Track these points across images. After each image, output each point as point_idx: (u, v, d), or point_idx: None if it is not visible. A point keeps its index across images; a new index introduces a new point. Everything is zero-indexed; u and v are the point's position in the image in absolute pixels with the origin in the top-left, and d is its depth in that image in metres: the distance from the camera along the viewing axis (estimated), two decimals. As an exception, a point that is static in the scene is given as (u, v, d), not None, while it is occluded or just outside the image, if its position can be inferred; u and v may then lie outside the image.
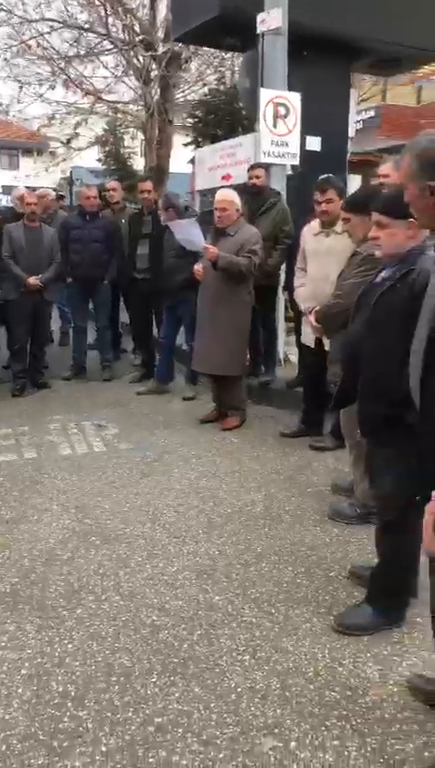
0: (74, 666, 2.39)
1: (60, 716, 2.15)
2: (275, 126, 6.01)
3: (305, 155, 6.45)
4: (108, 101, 14.56)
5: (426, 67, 13.54)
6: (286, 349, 6.33)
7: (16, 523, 3.52)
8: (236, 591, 2.88)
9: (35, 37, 13.13)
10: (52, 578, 2.97)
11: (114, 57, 13.91)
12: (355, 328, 2.74)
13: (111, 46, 13.25)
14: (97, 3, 12.77)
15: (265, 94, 5.97)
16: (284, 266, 5.74)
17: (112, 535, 3.38)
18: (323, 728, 2.11)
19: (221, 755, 2.00)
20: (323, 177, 4.46)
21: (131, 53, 13.15)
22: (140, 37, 12.55)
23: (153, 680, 2.32)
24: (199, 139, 8.59)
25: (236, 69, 12.48)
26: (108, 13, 12.53)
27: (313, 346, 4.50)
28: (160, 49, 12.24)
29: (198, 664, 2.40)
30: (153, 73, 13.06)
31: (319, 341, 4.39)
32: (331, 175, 4.53)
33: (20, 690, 2.26)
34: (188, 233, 5.09)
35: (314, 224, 4.55)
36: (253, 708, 2.19)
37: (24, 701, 2.22)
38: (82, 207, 6.46)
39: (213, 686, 2.29)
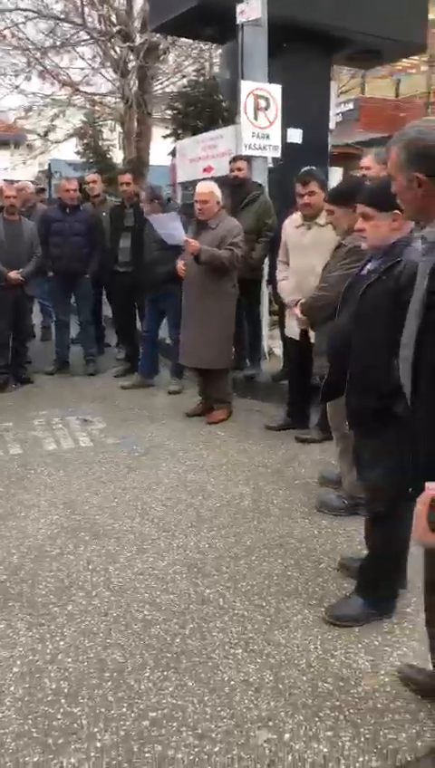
0: (67, 662, 2.38)
1: (53, 713, 2.14)
2: (256, 118, 5.99)
3: (287, 147, 6.44)
4: (85, 93, 14.40)
5: (404, 60, 13.63)
6: (271, 342, 6.34)
7: (3, 519, 3.48)
8: (227, 585, 2.88)
9: (10, 27, 12.92)
10: (41, 574, 2.95)
11: (91, 48, 13.76)
12: (342, 320, 2.75)
13: (88, 37, 13.09)
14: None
15: (245, 86, 5.94)
16: (267, 259, 5.74)
17: (101, 530, 3.36)
18: (317, 719, 2.13)
19: (216, 749, 2.00)
20: (305, 169, 4.46)
21: (108, 44, 13.00)
22: (117, 28, 12.41)
23: (146, 675, 2.32)
24: (179, 132, 8.51)
25: (215, 60, 12.42)
26: (84, 3, 12.36)
27: (298, 339, 4.51)
28: (138, 40, 12.11)
29: (191, 658, 2.41)
30: (131, 65, 12.93)
31: (304, 334, 4.40)
32: (313, 167, 4.53)
33: (12, 688, 2.25)
34: (169, 227, 5.07)
35: (296, 216, 4.55)
36: (247, 701, 2.20)
37: (16, 699, 2.20)
38: (62, 200, 6.39)
39: (206, 680, 2.29)
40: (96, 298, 6.94)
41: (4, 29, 13.00)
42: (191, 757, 1.97)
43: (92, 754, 1.98)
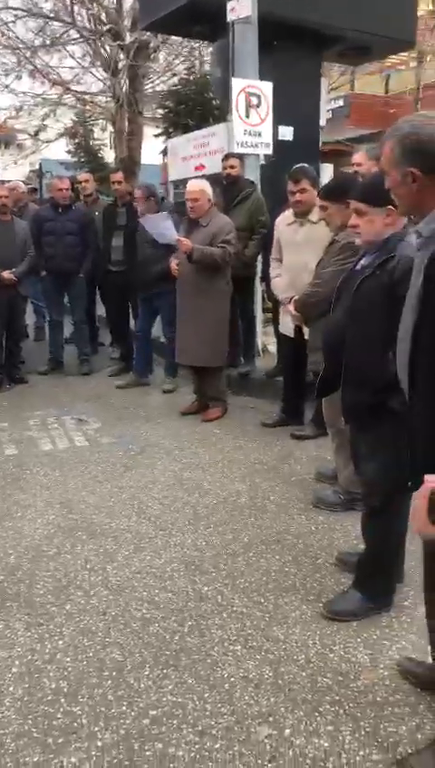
0: (66, 662, 2.37)
1: (53, 713, 2.13)
2: (247, 116, 5.99)
3: (278, 144, 6.44)
4: (76, 92, 14.36)
5: (393, 57, 13.66)
6: (264, 339, 6.34)
7: (0, 520, 3.47)
8: (225, 582, 2.88)
9: (-1, 26, 12.88)
10: (39, 574, 2.94)
11: (81, 47, 13.71)
12: (336, 316, 2.75)
13: (78, 35, 13.05)
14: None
15: (236, 84, 5.94)
16: (260, 256, 5.74)
17: (98, 530, 3.36)
18: (317, 714, 2.13)
19: (217, 745, 2.00)
20: (296, 167, 4.46)
21: (98, 43, 12.96)
22: (107, 26, 12.38)
23: (146, 673, 2.31)
24: (170, 130, 8.50)
25: (206, 58, 12.41)
26: (73, 1, 12.32)
27: (292, 335, 4.51)
28: (128, 38, 12.08)
29: (191, 655, 2.40)
30: (121, 63, 12.90)
31: (298, 330, 4.40)
32: (304, 164, 4.53)
33: (11, 688, 2.24)
34: (160, 226, 5.06)
35: (288, 213, 4.56)
36: (247, 697, 2.20)
37: (16, 699, 2.20)
38: (55, 200, 6.36)
39: (206, 677, 2.29)
40: (89, 297, 6.92)
41: (-6, 28, 12.95)
42: (192, 754, 1.97)
43: (93, 753, 1.98)
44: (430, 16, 13.03)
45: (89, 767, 1.93)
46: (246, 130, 5.99)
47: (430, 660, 2.26)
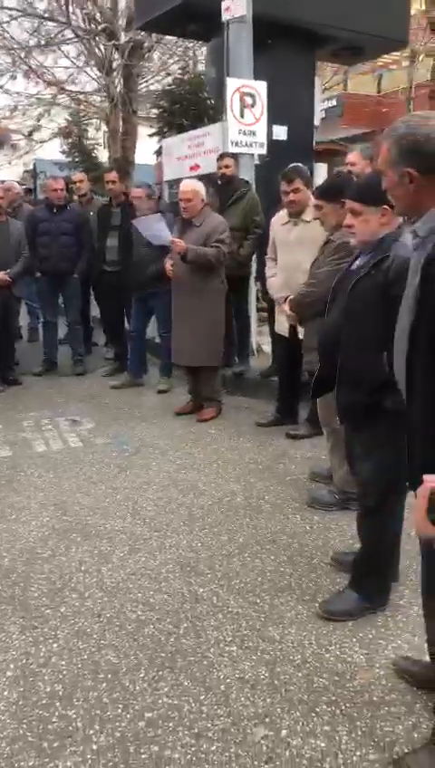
0: (60, 665, 2.36)
1: (48, 717, 2.12)
2: (242, 115, 5.99)
3: (272, 144, 6.44)
4: (70, 92, 14.34)
5: (386, 56, 13.68)
6: (259, 339, 6.34)
7: (-6, 522, 3.46)
8: (221, 583, 2.87)
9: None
10: (33, 576, 2.93)
11: (75, 47, 13.70)
12: (332, 316, 2.75)
13: (72, 35, 13.03)
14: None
15: (231, 83, 5.93)
16: (255, 256, 5.73)
17: (93, 531, 3.34)
18: (314, 714, 2.13)
19: (214, 747, 1.99)
20: (289, 166, 4.46)
21: (93, 43, 12.95)
22: (102, 26, 12.36)
23: (141, 675, 2.30)
24: (165, 130, 8.49)
25: (200, 58, 12.41)
26: (68, 1, 12.30)
27: (287, 335, 4.51)
28: (123, 38, 12.07)
29: (186, 657, 2.39)
30: (115, 63, 12.89)
31: (293, 330, 4.40)
32: (298, 164, 4.53)
33: (6, 692, 2.23)
34: (153, 228, 5.05)
35: (283, 213, 4.55)
36: (243, 698, 2.19)
37: (10, 703, 2.18)
38: (49, 200, 6.34)
39: (202, 679, 2.28)
40: (84, 298, 6.90)
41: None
42: (188, 757, 1.96)
43: (88, 757, 1.96)
44: (423, 16, 13.05)
45: (84, 770, 1.92)
46: (240, 130, 5.99)
47: (425, 659, 2.26)
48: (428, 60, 14.51)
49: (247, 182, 5.80)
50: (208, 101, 7.62)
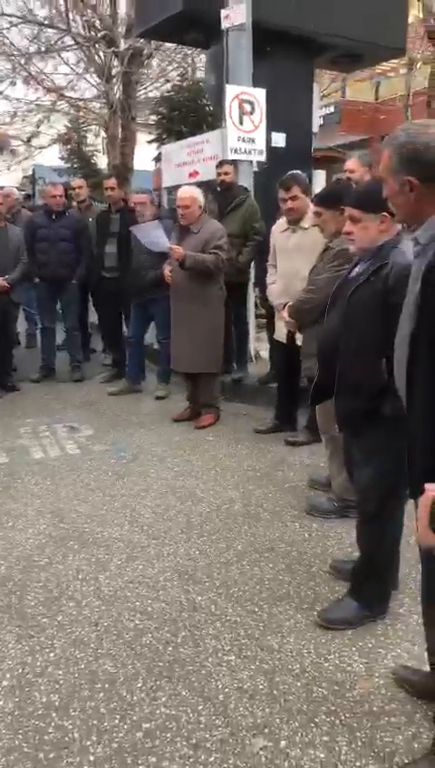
0: (57, 674, 2.34)
1: (45, 727, 2.10)
2: (241, 122, 6.00)
3: (271, 151, 6.45)
4: (70, 98, 14.39)
5: (384, 63, 13.74)
6: (257, 345, 6.33)
7: (-10, 529, 3.44)
8: (219, 591, 2.85)
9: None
10: (30, 585, 2.90)
11: (75, 54, 13.76)
12: (331, 323, 2.74)
13: (72, 42, 13.08)
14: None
15: (230, 90, 5.95)
16: (254, 263, 5.74)
17: (90, 539, 3.32)
18: (313, 725, 2.11)
19: (212, 758, 1.97)
20: (287, 174, 4.46)
21: (93, 50, 13.00)
22: (102, 33, 12.42)
23: (139, 685, 2.28)
24: (164, 136, 8.51)
25: (199, 65, 12.46)
26: (68, 8, 12.36)
27: (285, 342, 4.50)
28: (122, 45, 12.12)
29: (184, 666, 2.37)
30: (115, 70, 12.94)
31: (291, 337, 4.40)
32: (296, 171, 4.54)
33: (1, 702, 2.20)
34: (151, 235, 5.05)
35: (282, 221, 4.56)
36: (241, 709, 2.17)
37: (6, 713, 2.16)
38: (48, 206, 6.34)
39: (200, 689, 2.26)
40: (82, 304, 6.90)
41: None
42: (186, 768, 1.94)
43: (85, 768, 1.94)
44: (420, 24, 13.13)
45: (81, 782, 1.90)
46: (239, 137, 6.00)
47: (425, 668, 2.24)
48: (425, 68, 14.58)
49: (246, 189, 5.81)
50: (207, 108, 7.65)
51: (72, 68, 14.15)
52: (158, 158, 8.23)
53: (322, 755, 1.99)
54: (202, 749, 2.01)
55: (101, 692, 2.25)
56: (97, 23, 12.75)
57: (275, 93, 6.39)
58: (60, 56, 13.78)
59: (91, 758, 1.97)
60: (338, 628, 2.58)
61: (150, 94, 14.33)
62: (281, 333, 4.55)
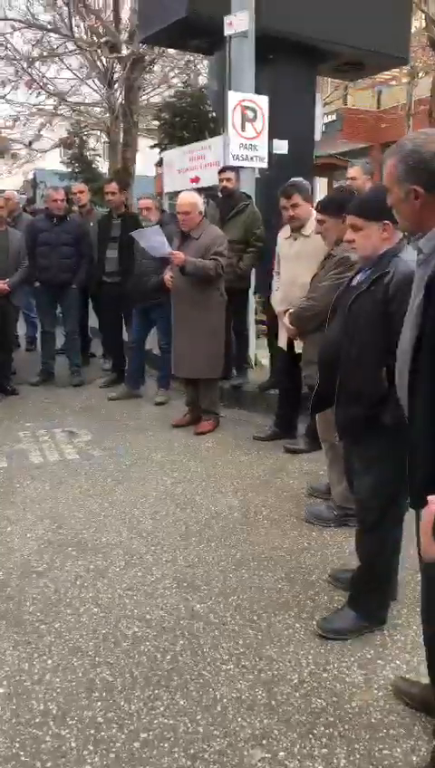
0: (55, 682, 2.32)
1: (42, 736, 2.08)
2: (243, 129, 6.01)
3: (273, 158, 6.46)
4: (72, 103, 14.43)
5: (386, 72, 13.80)
6: (257, 351, 6.33)
7: (-12, 534, 3.42)
8: (218, 599, 2.84)
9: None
10: (28, 591, 2.89)
11: (78, 59, 13.80)
12: (332, 332, 2.74)
13: (75, 48, 13.13)
14: (60, 3, 12.64)
15: (233, 97, 5.96)
16: (254, 269, 5.74)
17: (89, 545, 3.31)
18: (311, 736, 2.09)
19: (209, 769, 1.96)
20: (288, 182, 4.47)
21: (95, 55, 13.05)
22: (104, 39, 12.46)
23: (136, 694, 2.27)
24: (166, 142, 8.54)
25: (202, 71, 12.50)
26: (71, 13, 12.41)
27: (285, 349, 4.50)
28: (125, 51, 12.16)
29: (182, 675, 2.36)
30: (117, 75, 12.98)
31: (289, 344, 4.40)
32: (297, 179, 4.54)
33: (-2, 710, 2.19)
34: (152, 240, 5.06)
35: (287, 228, 4.57)
36: (240, 719, 2.16)
37: (3, 721, 2.14)
38: (49, 210, 6.35)
39: (198, 698, 2.25)
40: (83, 308, 6.89)
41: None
42: (183, 779, 1.93)
43: (82, 777, 1.93)
44: (423, 34, 13.19)
45: (77, 792, 1.88)
46: (241, 144, 6.01)
47: (424, 680, 2.23)
48: (427, 77, 14.65)
49: (248, 196, 5.81)
50: (210, 115, 7.67)
51: (74, 73, 14.20)
52: (159, 164, 8.25)
53: (320, 767, 1.97)
54: (200, 760, 1.99)
55: (98, 701, 2.23)
56: (100, 28, 12.79)
57: (278, 100, 6.40)
58: (62, 61, 13.83)
59: (89, 768, 1.96)
60: (337, 639, 2.57)
61: (153, 100, 14.38)
62: (282, 340, 4.55)
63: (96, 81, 13.77)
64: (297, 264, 4.29)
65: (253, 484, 4.12)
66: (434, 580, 1.93)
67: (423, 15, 12.61)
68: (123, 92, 13.13)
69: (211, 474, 4.26)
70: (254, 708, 2.21)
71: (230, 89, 6.07)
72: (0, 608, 2.76)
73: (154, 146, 8.98)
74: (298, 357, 4.17)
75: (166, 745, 2.04)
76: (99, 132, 14.98)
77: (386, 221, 2.44)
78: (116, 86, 13.20)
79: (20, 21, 12.89)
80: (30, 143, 16.09)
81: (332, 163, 13.97)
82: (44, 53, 13.38)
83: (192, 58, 12.75)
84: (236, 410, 5.57)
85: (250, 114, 6.01)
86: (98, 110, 14.93)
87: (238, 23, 5.92)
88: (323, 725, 2.14)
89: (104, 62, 13.07)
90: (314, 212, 3.82)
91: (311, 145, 7.85)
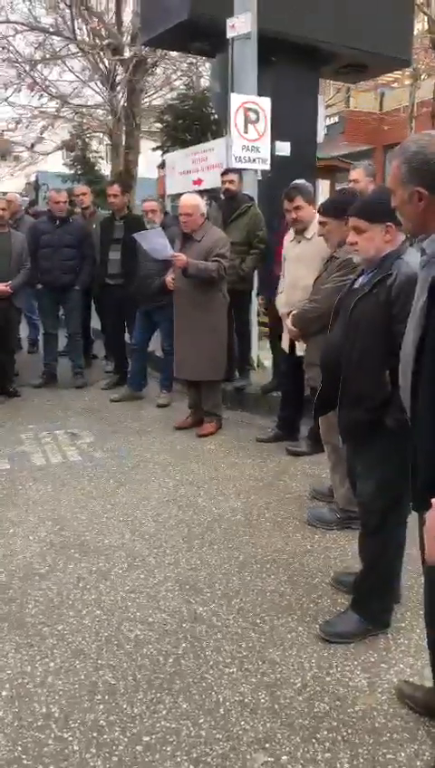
0: (57, 685, 2.31)
1: (44, 739, 2.08)
2: (245, 131, 6.01)
3: (275, 160, 6.46)
4: (74, 106, 14.45)
5: (389, 74, 13.82)
6: (260, 353, 6.32)
7: (-9, 537, 3.42)
8: (220, 602, 2.83)
9: (-1, 40, 12.97)
10: (30, 593, 2.88)
11: (80, 61, 13.82)
12: (334, 334, 2.73)
13: (77, 50, 13.15)
14: (62, 6, 12.66)
15: (235, 99, 5.96)
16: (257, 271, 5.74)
17: (91, 547, 3.30)
18: (314, 740, 2.08)
19: (212, 773, 1.95)
20: (291, 184, 4.47)
21: (98, 57, 13.07)
22: (107, 41, 12.48)
23: (139, 697, 2.26)
24: (168, 144, 8.55)
25: (204, 74, 12.51)
26: (73, 15, 12.43)
27: (287, 351, 4.50)
28: (127, 53, 12.17)
29: (185, 678, 2.35)
30: (119, 78, 13.00)
31: (291, 347, 4.40)
32: (300, 181, 4.54)
33: (1, 713, 2.18)
34: (154, 242, 5.06)
35: (293, 230, 4.57)
36: (242, 723, 2.15)
37: (5, 724, 2.13)
38: (52, 212, 6.35)
39: (201, 702, 2.24)
40: (85, 310, 6.90)
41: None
42: (186, 782, 1.92)
43: (84, 781, 1.92)
44: (425, 36, 13.20)
45: (80, 796, 1.88)
46: (244, 146, 6.01)
47: (428, 684, 2.22)
48: (429, 79, 14.66)
49: (251, 198, 5.81)
50: (212, 117, 7.68)
51: (76, 75, 14.23)
52: (162, 166, 8.26)
53: (323, 772, 1.97)
54: (203, 764, 1.98)
55: (101, 704, 2.23)
56: (102, 31, 12.81)
57: (280, 103, 6.41)
58: (65, 64, 13.86)
59: (91, 772, 1.95)
60: (340, 642, 2.56)
61: (155, 102, 14.40)
62: (286, 342, 4.55)
63: (98, 83, 13.79)
64: (298, 267, 4.29)
65: (255, 486, 4.11)
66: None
67: (426, 17, 12.61)
68: (126, 95, 13.15)
69: (214, 476, 4.25)
70: (256, 712, 2.20)
71: (232, 91, 6.08)
72: (2, 610, 2.76)
73: (156, 148, 9.00)
74: (301, 359, 4.16)
75: (168, 749, 2.04)
76: (101, 135, 14.99)
77: (389, 223, 2.43)
78: (118, 88, 13.22)
79: (22, 24, 12.91)
80: (32, 145, 16.12)
81: (334, 165, 13.95)
82: (47, 56, 13.41)
83: (194, 60, 12.77)
84: (239, 412, 5.56)
85: (252, 116, 6.01)
86: (100, 112, 14.94)
87: (241, 25, 5.92)
88: (326, 729, 2.13)
89: (106, 65, 13.09)
90: (317, 214, 3.82)
91: (313, 147, 7.85)
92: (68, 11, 12.50)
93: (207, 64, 10.23)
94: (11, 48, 13.11)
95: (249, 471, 4.35)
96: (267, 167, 6.21)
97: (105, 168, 14.82)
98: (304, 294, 3.96)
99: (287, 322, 4.19)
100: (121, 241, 6.02)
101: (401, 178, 1.77)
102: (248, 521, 3.63)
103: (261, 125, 6.07)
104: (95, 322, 7.25)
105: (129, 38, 12.65)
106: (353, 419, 2.56)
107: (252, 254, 5.51)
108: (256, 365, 6.19)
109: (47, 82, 13.83)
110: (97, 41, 12.80)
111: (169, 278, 5.02)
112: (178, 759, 2.00)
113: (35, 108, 14.43)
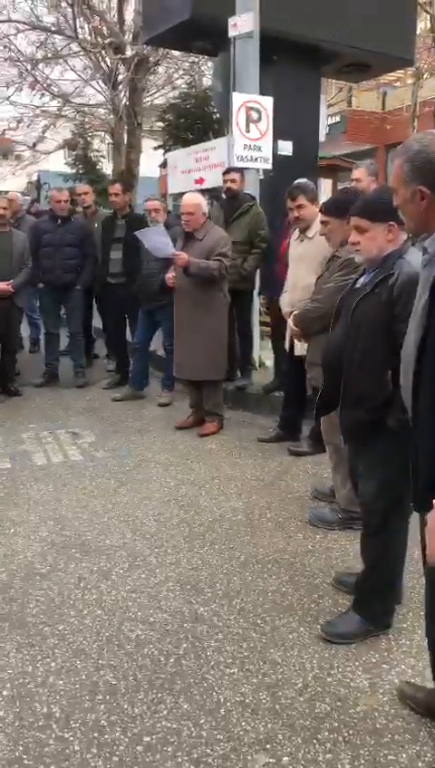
0: (58, 685, 2.31)
1: (45, 739, 2.07)
2: (247, 130, 6.00)
3: (277, 159, 6.45)
4: (76, 105, 14.44)
5: (391, 73, 13.79)
6: (261, 353, 6.32)
7: (-8, 536, 3.42)
8: (222, 602, 2.83)
9: (1, 39, 12.95)
10: (31, 593, 2.88)
11: (82, 60, 13.81)
12: (336, 334, 2.73)
13: (79, 49, 13.14)
14: (64, 5, 12.66)
15: (237, 98, 5.95)
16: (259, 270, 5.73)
17: (92, 547, 3.30)
18: (316, 741, 2.08)
19: (213, 774, 1.95)
20: (293, 183, 4.47)
21: (99, 56, 13.06)
22: (108, 40, 12.47)
23: (140, 697, 2.26)
24: (170, 143, 8.55)
25: (206, 73, 12.50)
26: (75, 14, 12.41)
27: (289, 350, 4.50)
28: (129, 52, 12.16)
29: (186, 679, 2.35)
30: (121, 77, 12.99)
31: (291, 346, 4.39)
32: (302, 180, 4.54)
33: (1, 713, 2.18)
34: (155, 240, 5.05)
35: (297, 230, 4.57)
36: (243, 723, 2.15)
37: (6, 724, 2.13)
38: (53, 212, 6.35)
39: (202, 702, 2.24)
40: (87, 309, 6.89)
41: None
42: (187, 783, 1.92)
43: (85, 781, 1.92)
44: (428, 35, 13.18)
45: (80, 796, 1.87)
46: (246, 145, 5.99)
47: (429, 685, 2.22)
48: (432, 78, 14.64)
49: (253, 197, 5.80)
50: (214, 116, 7.67)
51: (78, 74, 14.22)
52: (164, 165, 8.25)
53: (325, 772, 1.96)
54: (203, 764, 1.98)
55: (102, 704, 2.23)
56: (104, 29, 12.80)
57: (282, 102, 6.39)
58: (66, 62, 13.85)
59: (92, 772, 1.95)
60: (341, 643, 2.55)
61: (157, 101, 14.39)
62: (288, 341, 4.54)
63: (100, 82, 13.78)
64: (299, 266, 4.29)
65: (257, 486, 4.11)
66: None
67: (428, 16, 12.59)
68: (127, 94, 13.14)
69: (215, 476, 4.25)
70: (258, 712, 2.20)
71: (234, 90, 6.07)
72: (3, 610, 2.75)
73: (158, 147, 9.01)
74: (301, 358, 4.15)
75: (169, 749, 2.03)
76: (103, 134, 14.99)
77: (391, 222, 2.43)
78: (120, 87, 13.21)
79: (24, 22, 12.91)
80: (34, 145, 16.11)
81: (336, 164, 13.93)
82: (48, 55, 13.40)
83: (196, 59, 12.75)
84: (241, 412, 5.56)
85: (254, 115, 6.00)
86: (102, 111, 14.94)
87: (243, 24, 5.91)
88: (327, 730, 2.13)
89: (108, 64, 13.07)
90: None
91: (315, 146, 7.83)
92: (70, 10, 12.48)
93: (209, 63, 10.22)
94: (12, 47, 13.11)
95: (251, 471, 4.34)
96: (269, 166, 6.20)
97: (107, 167, 14.81)
98: (303, 294, 3.96)
99: (289, 322, 4.19)
100: (123, 240, 6.02)
101: (404, 177, 1.76)
102: (250, 521, 3.63)
103: (263, 124, 6.06)
104: (97, 322, 7.24)
105: (130, 37, 12.63)
106: (355, 419, 2.55)
107: (254, 254, 5.51)
108: (257, 365, 6.18)
109: (49, 81, 13.83)
110: (99, 39, 12.78)
111: (169, 276, 5.01)
112: (179, 759, 1.99)
113: (37, 107, 14.43)
